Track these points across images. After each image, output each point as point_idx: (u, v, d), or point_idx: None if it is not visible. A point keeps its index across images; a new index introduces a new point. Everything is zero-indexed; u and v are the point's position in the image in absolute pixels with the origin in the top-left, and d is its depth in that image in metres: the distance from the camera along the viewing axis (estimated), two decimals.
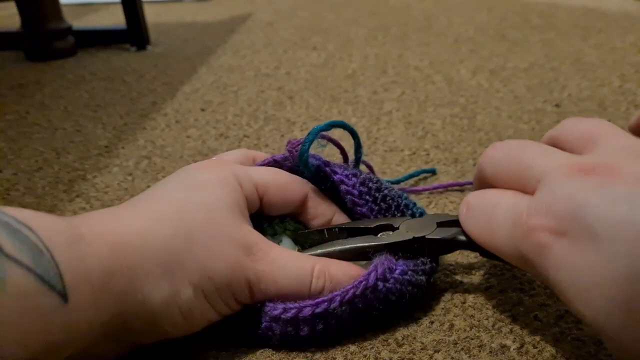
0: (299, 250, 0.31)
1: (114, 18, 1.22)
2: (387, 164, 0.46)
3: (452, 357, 0.26)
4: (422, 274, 0.28)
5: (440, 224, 0.29)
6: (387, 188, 0.32)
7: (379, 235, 0.30)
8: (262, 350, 0.27)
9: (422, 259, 0.29)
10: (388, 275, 0.27)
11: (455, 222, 0.28)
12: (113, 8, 1.34)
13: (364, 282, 0.26)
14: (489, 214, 0.25)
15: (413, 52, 0.82)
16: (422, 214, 0.32)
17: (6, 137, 0.58)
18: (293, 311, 0.26)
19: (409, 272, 0.27)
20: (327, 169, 0.31)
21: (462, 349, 0.26)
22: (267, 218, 0.31)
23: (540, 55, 0.76)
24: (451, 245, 0.28)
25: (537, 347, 0.26)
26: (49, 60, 0.87)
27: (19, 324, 0.19)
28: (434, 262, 0.29)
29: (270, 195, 0.30)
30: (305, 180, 0.32)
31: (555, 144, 0.26)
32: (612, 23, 0.92)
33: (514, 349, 0.26)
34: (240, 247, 0.26)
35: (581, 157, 0.23)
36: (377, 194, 0.31)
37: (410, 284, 0.27)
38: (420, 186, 0.43)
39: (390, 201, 0.32)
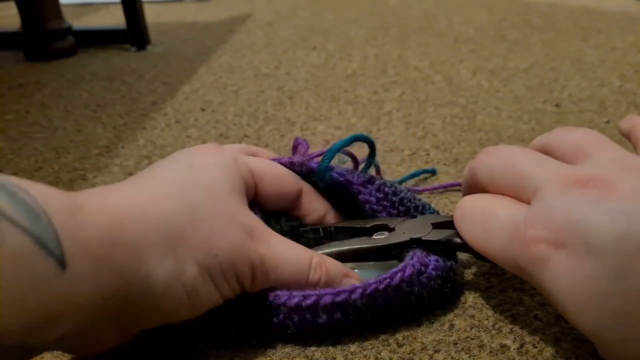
0: None
1: (114, 18, 1.22)
2: (387, 164, 0.46)
3: (452, 357, 0.26)
4: (447, 280, 0.28)
5: (436, 225, 0.29)
6: (402, 191, 0.32)
7: (374, 236, 0.30)
8: (262, 348, 0.27)
9: (450, 263, 0.29)
10: (414, 278, 0.27)
11: (450, 223, 0.28)
12: (113, 8, 1.34)
13: (387, 280, 0.26)
14: (484, 222, 0.25)
15: (413, 52, 0.82)
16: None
17: (6, 136, 0.58)
18: (313, 298, 0.26)
19: (436, 280, 0.27)
20: (343, 179, 0.31)
21: (462, 349, 0.26)
22: (262, 217, 0.31)
23: (540, 55, 0.76)
24: (447, 247, 0.29)
25: (537, 347, 0.26)
26: (49, 60, 0.87)
27: (15, 289, 0.18)
28: (456, 266, 0.30)
29: (265, 185, 0.30)
30: (298, 177, 0.32)
31: (545, 152, 0.26)
32: (612, 23, 0.92)
33: (514, 349, 0.26)
34: (243, 229, 0.25)
35: (576, 168, 0.23)
36: (394, 198, 0.32)
37: (432, 290, 0.27)
38: (420, 186, 0.43)
39: (408, 203, 0.32)
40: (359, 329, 0.27)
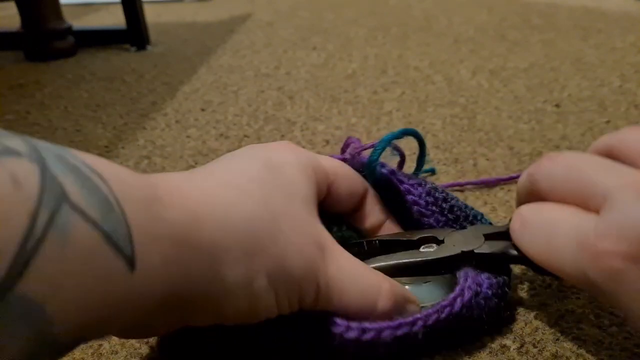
0: None
1: (114, 18, 1.22)
2: None
3: (452, 357, 0.26)
4: (502, 297, 0.27)
5: (488, 237, 0.28)
6: (453, 198, 0.31)
7: (422, 249, 0.28)
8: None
9: (503, 279, 0.27)
10: (473, 300, 0.25)
11: (503, 235, 0.27)
12: (113, 8, 1.34)
13: (448, 308, 0.25)
14: (549, 232, 0.23)
15: (413, 52, 0.82)
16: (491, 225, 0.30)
17: None
18: (372, 333, 0.24)
19: (493, 299, 0.26)
20: (394, 177, 0.30)
21: (462, 349, 0.26)
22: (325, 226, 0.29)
23: (540, 55, 0.76)
24: (502, 259, 0.27)
25: (537, 347, 0.26)
26: (48, 60, 0.87)
27: (79, 285, 0.16)
28: (508, 281, 0.28)
29: (339, 184, 0.28)
30: (362, 178, 0.30)
31: (610, 154, 0.24)
32: (612, 23, 0.92)
33: (514, 349, 0.26)
34: (316, 246, 0.24)
35: None
36: (444, 205, 0.30)
37: (490, 309, 0.26)
38: None
39: (458, 212, 0.30)
40: (416, 356, 0.26)
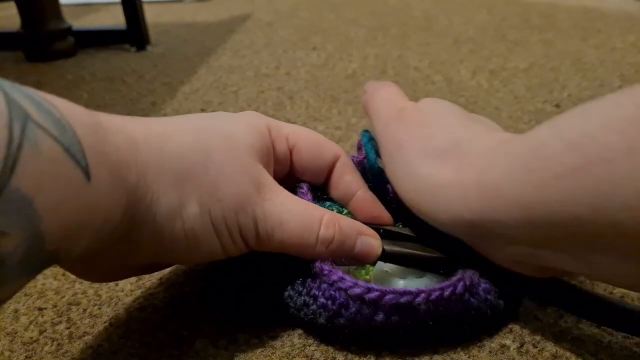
0: None
1: (114, 18, 1.22)
2: None
3: (452, 357, 0.26)
4: (501, 298, 0.27)
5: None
6: None
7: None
8: (262, 349, 0.27)
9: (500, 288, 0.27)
10: (475, 289, 0.26)
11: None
12: (113, 8, 1.34)
13: (451, 288, 0.25)
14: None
15: (413, 52, 0.82)
16: None
17: None
18: (376, 293, 0.24)
19: (492, 293, 0.26)
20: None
21: (462, 349, 0.26)
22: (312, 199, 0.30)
23: (540, 55, 0.76)
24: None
25: (537, 347, 0.26)
26: (48, 60, 0.87)
27: (54, 193, 0.18)
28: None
29: (300, 149, 0.29)
30: (338, 146, 0.31)
31: None
32: (612, 23, 0.93)
33: (514, 349, 0.26)
34: (251, 182, 0.25)
35: None
36: None
37: (490, 305, 0.26)
38: None
39: None
40: (407, 339, 0.26)
